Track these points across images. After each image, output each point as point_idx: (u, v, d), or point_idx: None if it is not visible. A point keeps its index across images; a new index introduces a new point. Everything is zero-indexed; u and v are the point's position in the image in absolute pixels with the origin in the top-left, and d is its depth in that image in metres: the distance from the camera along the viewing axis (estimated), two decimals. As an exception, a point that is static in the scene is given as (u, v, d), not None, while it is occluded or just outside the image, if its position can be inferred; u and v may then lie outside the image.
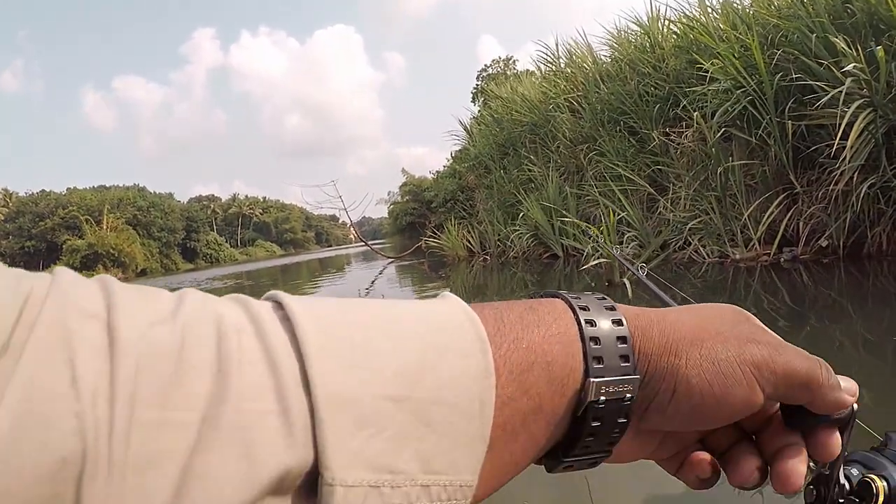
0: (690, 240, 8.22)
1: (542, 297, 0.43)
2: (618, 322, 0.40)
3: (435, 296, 0.39)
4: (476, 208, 17.68)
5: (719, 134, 7.46)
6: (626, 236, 8.90)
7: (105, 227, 61.94)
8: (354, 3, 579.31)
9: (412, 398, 0.31)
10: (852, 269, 6.15)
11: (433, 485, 0.31)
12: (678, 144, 8.79)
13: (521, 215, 13.17)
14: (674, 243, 8.57)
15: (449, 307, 0.37)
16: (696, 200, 8.32)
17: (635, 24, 10.78)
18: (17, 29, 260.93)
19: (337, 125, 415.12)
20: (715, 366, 0.40)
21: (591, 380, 0.38)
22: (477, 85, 32.20)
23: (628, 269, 1.86)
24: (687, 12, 9.32)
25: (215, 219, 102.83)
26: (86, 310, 0.27)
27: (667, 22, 10.07)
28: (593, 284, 7.79)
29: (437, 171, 25.07)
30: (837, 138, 5.73)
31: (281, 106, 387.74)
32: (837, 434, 0.44)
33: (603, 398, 0.38)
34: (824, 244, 6.69)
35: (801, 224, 6.93)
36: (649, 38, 10.31)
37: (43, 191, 72.49)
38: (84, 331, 0.26)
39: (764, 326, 0.45)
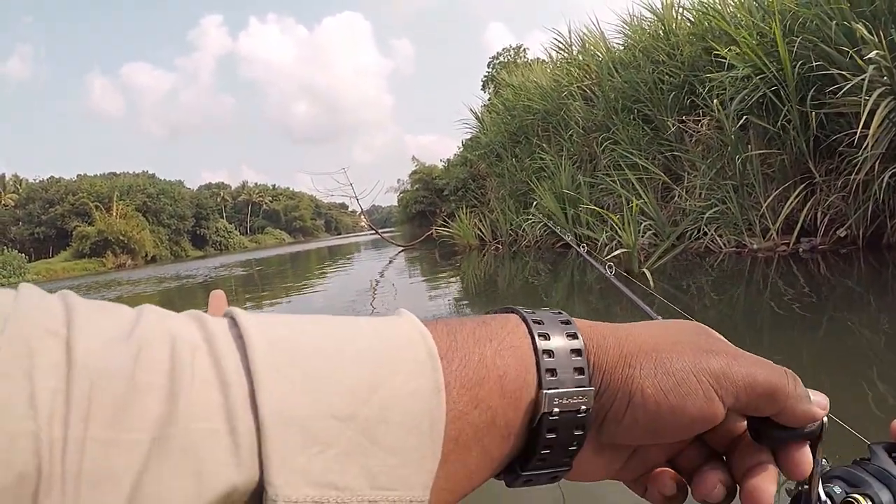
0: (707, 229, 8.17)
1: (497, 312, 0.44)
2: (572, 335, 0.41)
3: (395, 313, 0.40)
4: (487, 197, 17.66)
5: (739, 122, 7.38)
6: (642, 225, 8.85)
7: (115, 213, 62.20)
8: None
9: (359, 416, 0.32)
10: (872, 259, 6.10)
11: (381, 500, 0.32)
12: (695, 132, 8.73)
13: (534, 204, 13.12)
14: (689, 233, 8.52)
15: (402, 325, 0.37)
16: (712, 189, 8.27)
17: (649, 10, 10.70)
18: (22, 14, 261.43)
19: (345, 112, 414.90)
20: (670, 376, 0.40)
21: (545, 391, 0.38)
22: (487, 73, 32.11)
23: (594, 266, 1.84)
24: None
25: (225, 206, 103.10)
26: (47, 327, 0.28)
27: (681, 9, 9.99)
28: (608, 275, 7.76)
29: (447, 160, 25.05)
30: (860, 127, 5.67)
31: (289, 93, 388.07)
32: (808, 450, 0.43)
33: (557, 409, 0.38)
34: (843, 234, 6.64)
35: (819, 214, 6.88)
36: (663, 25, 10.22)
37: (52, 177, 72.81)
38: (44, 348, 0.27)
39: (724, 339, 0.45)
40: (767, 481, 0.42)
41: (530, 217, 13.23)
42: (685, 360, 0.41)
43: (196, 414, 0.28)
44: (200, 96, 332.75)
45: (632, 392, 0.40)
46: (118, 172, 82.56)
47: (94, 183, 68.85)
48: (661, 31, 10.30)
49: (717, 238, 8.00)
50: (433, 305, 7.55)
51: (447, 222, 18.90)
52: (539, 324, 0.41)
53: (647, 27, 10.98)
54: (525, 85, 15.71)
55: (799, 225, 6.97)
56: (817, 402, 0.42)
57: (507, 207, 15.22)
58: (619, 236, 7.71)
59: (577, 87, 12.50)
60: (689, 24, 9.74)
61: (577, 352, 0.40)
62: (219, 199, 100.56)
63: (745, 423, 0.44)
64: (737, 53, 7.33)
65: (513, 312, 0.42)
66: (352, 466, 0.31)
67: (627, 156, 10.11)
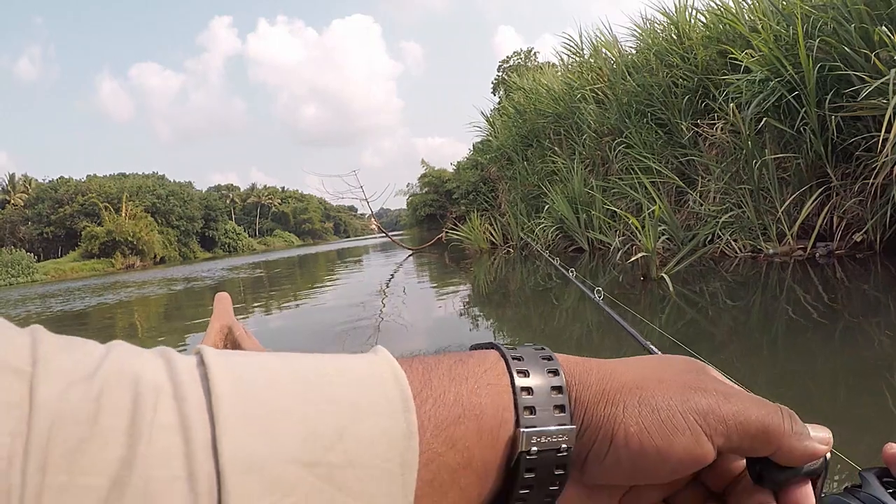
0: (722, 234, 8.10)
1: (476, 348, 0.43)
2: (553, 372, 0.40)
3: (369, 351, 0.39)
4: (499, 200, 17.63)
5: (758, 126, 7.34)
6: (657, 230, 8.80)
7: (124, 214, 62.43)
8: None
9: (324, 462, 0.31)
10: (889, 264, 6.04)
11: None
12: (709, 136, 8.68)
13: (546, 208, 13.07)
14: (705, 237, 8.45)
15: (376, 364, 0.36)
16: (727, 193, 8.21)
17: (662, 14, 10.65)
18: (32, 15, 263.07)
19: (355, 115, 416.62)
20: (654, 413, 0.39)
21: (522, 430, 0.37)
22: (498, 76, 32.13)
23: (585, 292, 1.80)
24: (716, 2, 9.20)
25: (234, 208, 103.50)
26: (11, 364, 0.28)
27: (694, 12, 9.95)
28: (620, 279, 7.72)
29: (457, 163, 25.06)
30: (883, 130, 5.61)
31: (298, 95, 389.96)
32: (810, 489, 0.41)
33: (535, 449, 0.38)
34: (859, 239, 6.59)
35: (835, 218, 6.83)
36: (677, 28, 10.17)
37: (62, 177, 72.99)
38: (5, 387, 0.27)
39: (718, 376, 0.43)
40: None
41: (542, 221, 13.19)
42: (671, 397, 0.39)
43: (156, 459, 0.28)
44: (210, 98, 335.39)
45: (614, 431, 0.39)
46: (128, 173, 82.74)
47: (103, 183, 69.05)
48: (674, 35, 10.25)
49: (733, 243, 7.95)
50: (443, 312, 7.52)
51: (457, 225, 18.87)
52: (519, 360, 0.40)
53: (659, 31, 10.93)
54: (536, 88, 15.68)
55: (815, 230, 6.91)
56: (819, 439, 0.40)
57: (519, 211, 15.19)
58: (636, 240, 7.65)
59: (590, 90, 12.46)
60: (702, 27, 9.69)
61: (558, 389, 0.39)
62: (228, 201, 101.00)
63: (744, 462, 0.43)
64: (753, 57, 7.28)
65: (493, 348, 0.42)
66: None
67: (641, 159, 10.06)
